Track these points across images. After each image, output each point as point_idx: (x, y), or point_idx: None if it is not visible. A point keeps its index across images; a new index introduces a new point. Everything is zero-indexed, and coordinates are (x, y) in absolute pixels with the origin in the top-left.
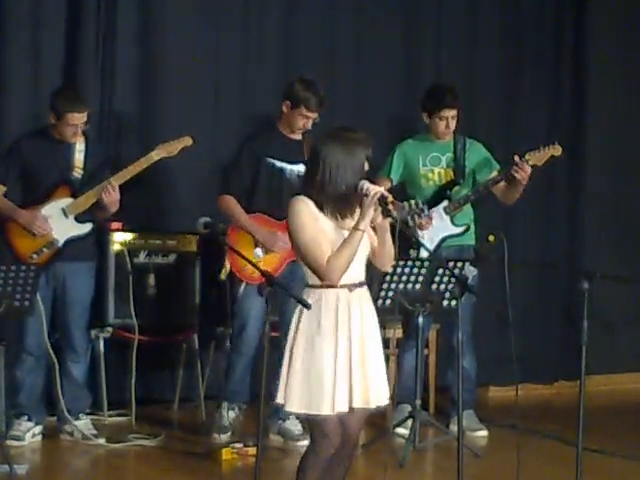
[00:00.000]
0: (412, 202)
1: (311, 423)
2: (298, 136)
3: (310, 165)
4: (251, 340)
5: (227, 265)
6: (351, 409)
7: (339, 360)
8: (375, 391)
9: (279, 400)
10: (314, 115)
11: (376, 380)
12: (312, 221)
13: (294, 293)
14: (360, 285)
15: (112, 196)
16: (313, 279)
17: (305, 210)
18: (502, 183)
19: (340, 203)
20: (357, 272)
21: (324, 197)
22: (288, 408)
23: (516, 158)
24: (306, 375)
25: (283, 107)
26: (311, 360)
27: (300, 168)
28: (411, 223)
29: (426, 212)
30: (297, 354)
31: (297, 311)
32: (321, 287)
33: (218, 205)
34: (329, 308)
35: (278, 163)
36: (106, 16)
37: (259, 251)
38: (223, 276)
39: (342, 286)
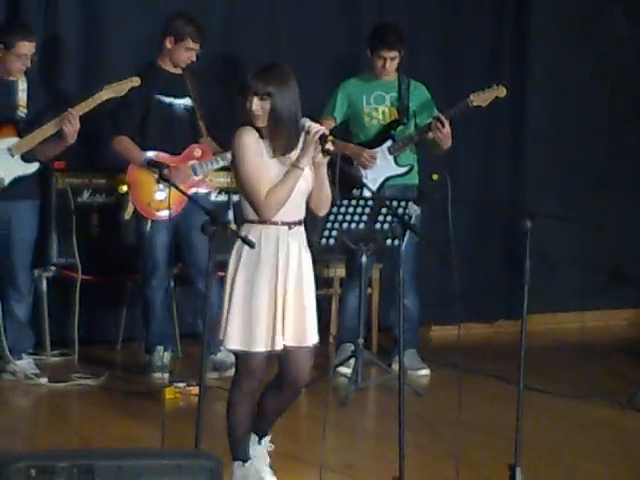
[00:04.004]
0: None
1: (239, 357)
2: (179, 71)
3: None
4: (164, 275)
5: (130, 205)
6: (296, 348)
7: (277, 298)
8: (311, 330)
9: (220, 336)
10: (197, 47)
11: (312, 319)
12: (255, 154)
13: (196, 224)
14: (299, 223)
15: (73, 125)
16: (253, 215)
17: (249, 143)
18: (431, 133)
19: (282, 137)
20: (297, 210)
21: (267, 130)
22: (226, 345)
23: (434, 119)
24: (244, 312)
25: (167, 43)
26: (250, 297)
27: (187, 102)
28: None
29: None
30: (237, 290)
31: (236, 246)
32: (261, 223)
33: (113, 146)
34: (269, 245)
35: (167, 99)
36: None
37: (161, 187)
38: (127, 216)
39: (283, 223)
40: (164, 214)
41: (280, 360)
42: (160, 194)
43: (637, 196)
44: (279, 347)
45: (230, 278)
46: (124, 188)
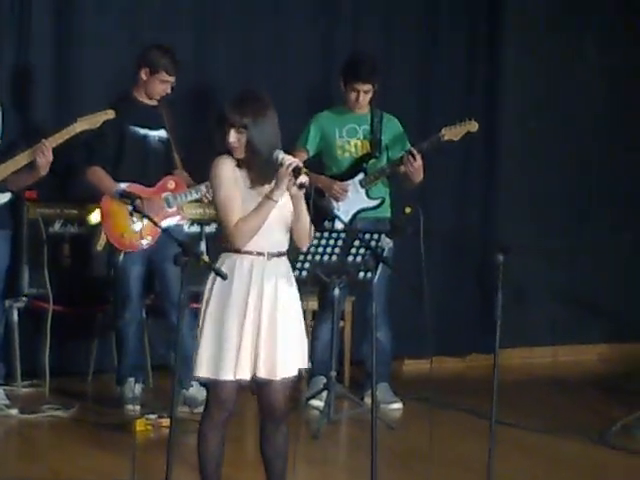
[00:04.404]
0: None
1: (209, 386)
2: (154, 102)
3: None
4: (137, 306)
5: (103, 236)
6: (269, 381)
7: (246, 328)
8: (282, 363)
9: (195, 372)
10: (172, 79)
11: (285, 352)
12: (229, 181)
13: (170, 257)
14: (279, 255)
15: (47, 157)
16: (227, 242)
17: (225, 169)
18: (403, 167)
19: (258, 169)
20: (278, 241)
21: (245, 161)
22: (195, 373)
23: (407, 153)
24: (213, 341)
25: (142, 74)
26: (219, 326)
27: (161, 134)
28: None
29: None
30: (208, 319)
31: (210, 277)
32: (236, 252)
33: (87, 177)
34: (242, 274)
35: (141, 130)
36: None
37: (134, 220)
38: (99, 247)
39: (258, 253)
40: (137, 245)
41: (257, 393)
42: (133, 225)
43: (610, 230)
44: (244, 377)
45: (203, 307)
46: (92, 219)
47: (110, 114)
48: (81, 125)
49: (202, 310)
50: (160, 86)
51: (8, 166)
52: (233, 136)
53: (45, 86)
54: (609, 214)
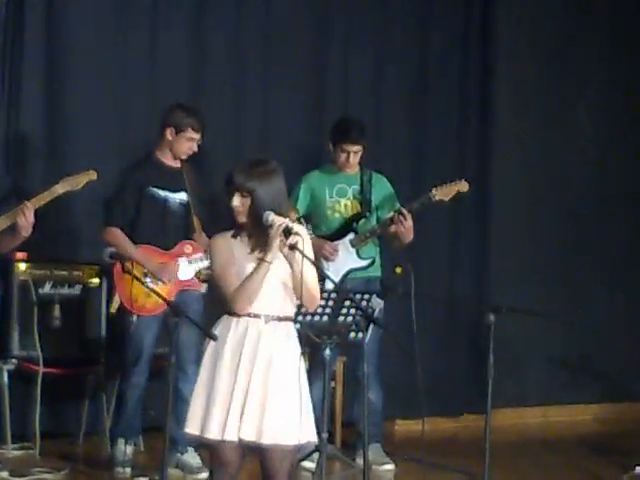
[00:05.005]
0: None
1: (210, 451)
2: (177, 164)
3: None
4: (144, 371)
5: (117, 298)
6: (262, 447)
7: (235, 389)
8: (271, 429)
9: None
10: (199, 136)
11: (276, 418)
12: (224, 251)
13: (200, 324)
14: (279, 319)
15: (28, 218)
16: (226, 306)
17: (216, 246)
18: (393, 226)
19: (257, 234)
20: (276, 305)
21: (246, 225)
22: (185, 429)
23: (396, 212)
24: (204, 398)
25: (167, 134)
26: (209, 385)
27: (182, 196)
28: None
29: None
30: (200, 378)
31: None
32: (233, 315)
33: (104, 237)
34: (236, 336)
35: (162, 192)
36: (12, 42)
37: (149, 282)
38: (113, 309)
39: (255, 315)
40: (150, 309)
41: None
42: (148, 289)
43: (602, 290)
44: (231, 438)
45: (200, 368)
46: (113, 309)
47: (92, 175)
48: (63, 186)
49: (199, 369)
50: (186, 144)
51: None
52: (237, 200)
53: (36, 150)
54: (603, 275)
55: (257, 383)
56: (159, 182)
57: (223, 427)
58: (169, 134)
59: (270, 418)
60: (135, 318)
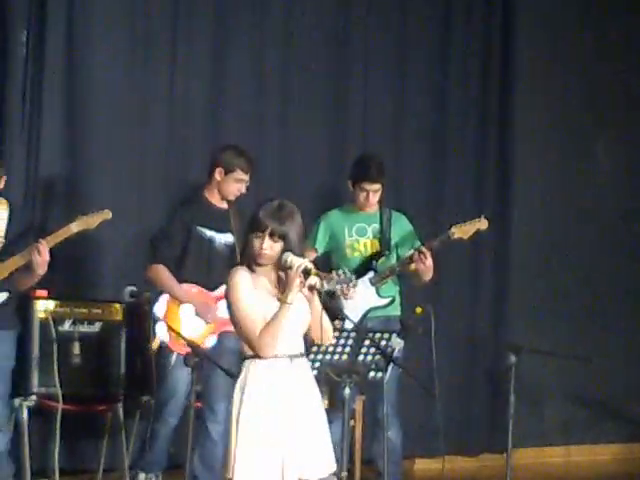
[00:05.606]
0: (340, 272)
1: None
2: (224, 205)
3: (246, 236)
4: (178, 410)
5: (158, 335)
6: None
7: (282, 431)
8: (325, 459)
9: (228, 474)
10: (247, 178)
11: (323, 447)
12: (247, 294)
13: (221, 364)
14: (300, 355)
15: (43, 256)
16: (250, 350)
17: (241, 282)
18: (413, 265)
19: (279, 276)
20: (298, 343)
21: (273, 268)
22: (228, 475)
23: (416, 251)
24: (252, 447)
25: (216, 175)
26: (255, 433)
27: (228, 238)
28: (339, 293)
29: (354, 281)
30: (242, 426)
31: (238, 384)
32: (258, 357)
33: (148, 275)
34: (269, 380)
35: (208, 232)
36: (32, 82)
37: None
38: (155, 346)
39: (282, 356)
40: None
41: None
42: (194, 327)
43: (622, 328)
44: None
45: (235, 414)
46: (154, 346)
47: (107, 214)
48: (78, 225)
49: (234, 417)
50: (235, 185)
51: (7, 265)
52: (267, 243)
53: (54, 188)
54: (624, 315)
55: (303, 420)
56: (206, 222)
57: (283, 472)
58: (218, 174)
59: (321, 450)
60: (175, 356)
